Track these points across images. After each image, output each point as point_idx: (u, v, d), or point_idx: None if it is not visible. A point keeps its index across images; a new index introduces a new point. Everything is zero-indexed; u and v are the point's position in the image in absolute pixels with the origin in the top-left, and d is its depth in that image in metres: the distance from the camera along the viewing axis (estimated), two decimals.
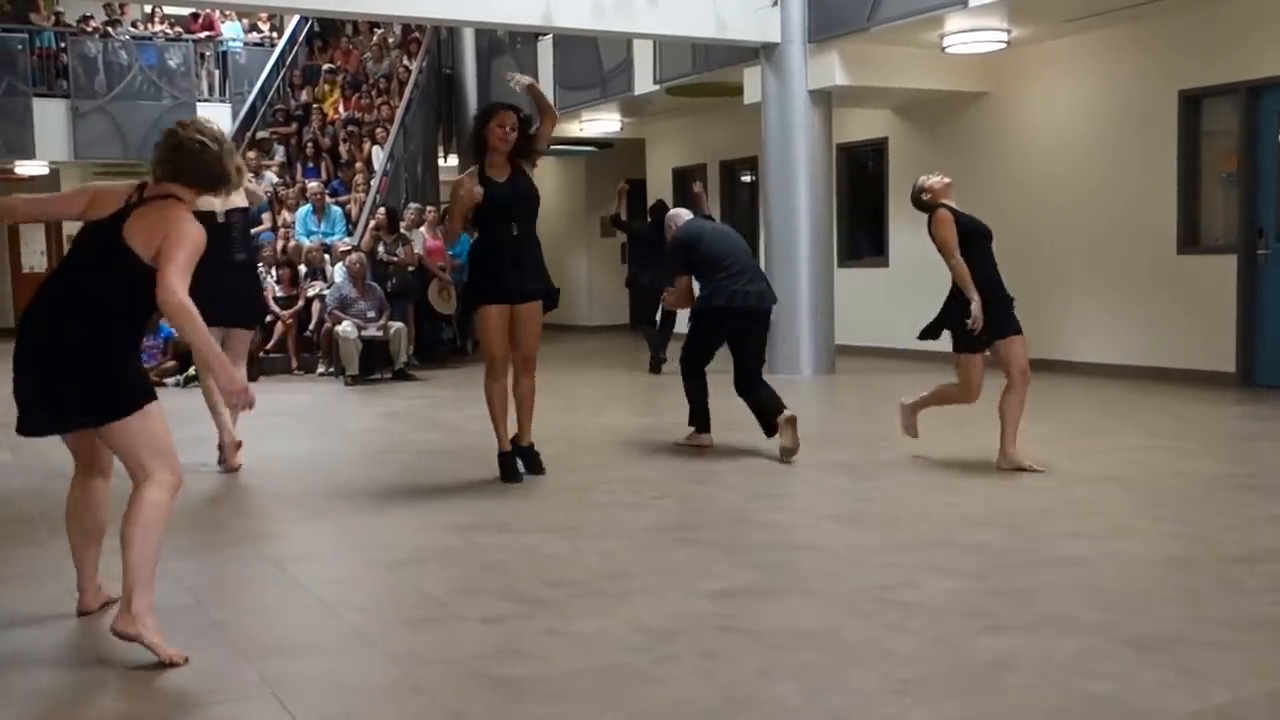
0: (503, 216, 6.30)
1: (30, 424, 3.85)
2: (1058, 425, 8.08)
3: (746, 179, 16.30)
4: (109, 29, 19.48)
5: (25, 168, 19.63)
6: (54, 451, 7.18)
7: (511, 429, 6.58)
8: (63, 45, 18.86)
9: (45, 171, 20.24)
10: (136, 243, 3.70)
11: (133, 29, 19.83)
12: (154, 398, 3.88)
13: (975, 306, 6.22)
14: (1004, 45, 11.10)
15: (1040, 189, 11.77)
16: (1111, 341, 11.18)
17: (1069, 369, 11.33)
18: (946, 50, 11.22)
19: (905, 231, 13.44)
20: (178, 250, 3.66)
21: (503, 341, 6.37)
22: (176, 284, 3.62)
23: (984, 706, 3.10)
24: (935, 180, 6.64)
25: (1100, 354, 11.24)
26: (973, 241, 6.39)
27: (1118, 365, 11.01)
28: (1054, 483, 6.07)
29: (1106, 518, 5.30)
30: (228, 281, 6.72)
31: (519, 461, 6.51)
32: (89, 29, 19.21)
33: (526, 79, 6.60)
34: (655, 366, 12.23)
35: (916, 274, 13.07)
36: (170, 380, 11.97)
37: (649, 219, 12.67)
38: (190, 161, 3.82)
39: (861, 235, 14.47)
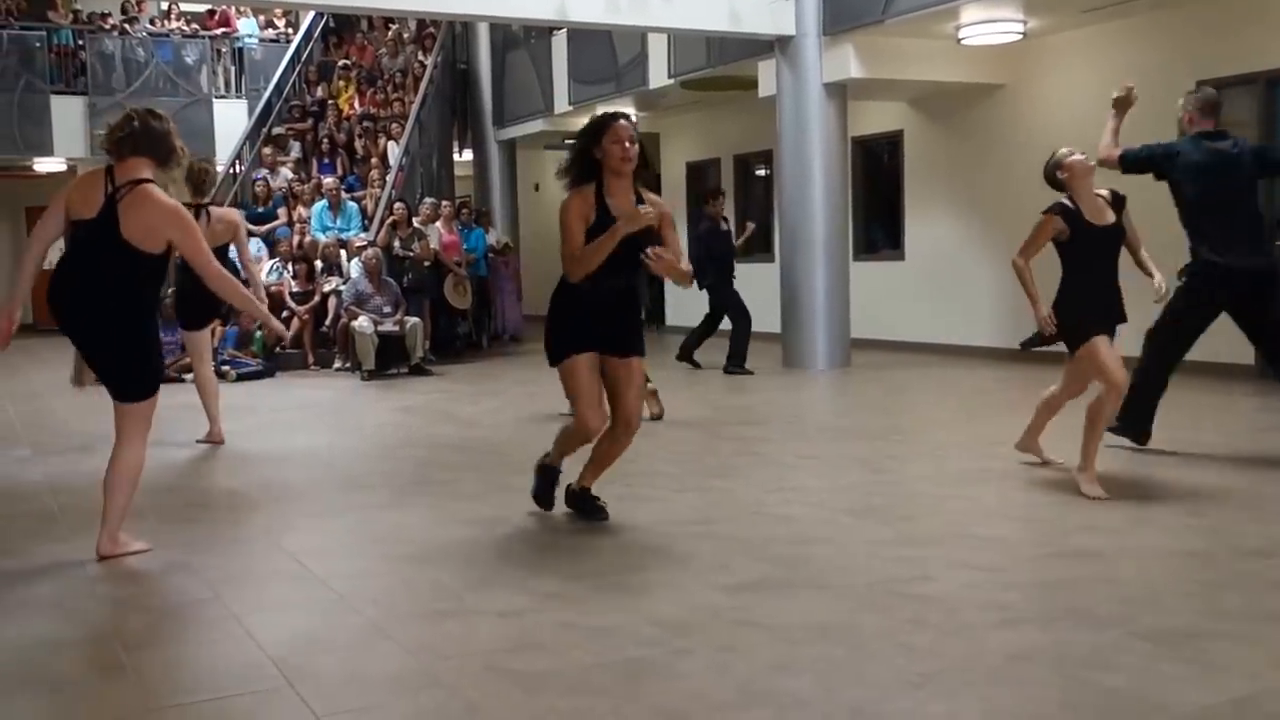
0: (617, 262, 4.91)
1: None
2: (1073, 418, 8.05)
3: (761, 173, 16.29)
4: (126, 26, 19.56)
5: (44, 164, 19.74)
6: (72, 450, 7.23)
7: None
8: (80, 43, 18.97)
9: (63, 168, 20.33)
10: (138, 240, 4.48)
11: (150, 26, 19.91)
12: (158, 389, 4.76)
13: (1041, 310, 5.81)
14: (1020, 36, 11.06)
15: None
16: (1128, 334, 11.11)
17: None
18: (962, 42, 11.20)
19: (921, 225, 13.42)
20: (193, 241, 4.60)
21: (595, 393, 5.07)
22: (209, 262, 4.67)
23: (1000, 700, 3.10)
24: (1076, 158, 5.91)
25: (1116, 344, 11.18)
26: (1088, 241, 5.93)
27: (1134, 358, 10.95)
28: (1069, 475, 6.05)
29: (1123, 511, 5.29)
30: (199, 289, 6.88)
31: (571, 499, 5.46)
32: (105, 26, 19.29)
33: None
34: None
35: (932, 267, 13.08)
36: (189, 376, 11.99)
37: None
38: (150, 138, 4.58)
39: (877, 228, 14.45)
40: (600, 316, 5.01)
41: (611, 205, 4.92)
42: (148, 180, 4.54)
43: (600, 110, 16.68)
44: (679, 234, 5.15)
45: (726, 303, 11.86)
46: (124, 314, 4.56)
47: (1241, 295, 6.58)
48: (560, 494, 5.48)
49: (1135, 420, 6.73)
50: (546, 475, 5.46)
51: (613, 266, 4.92)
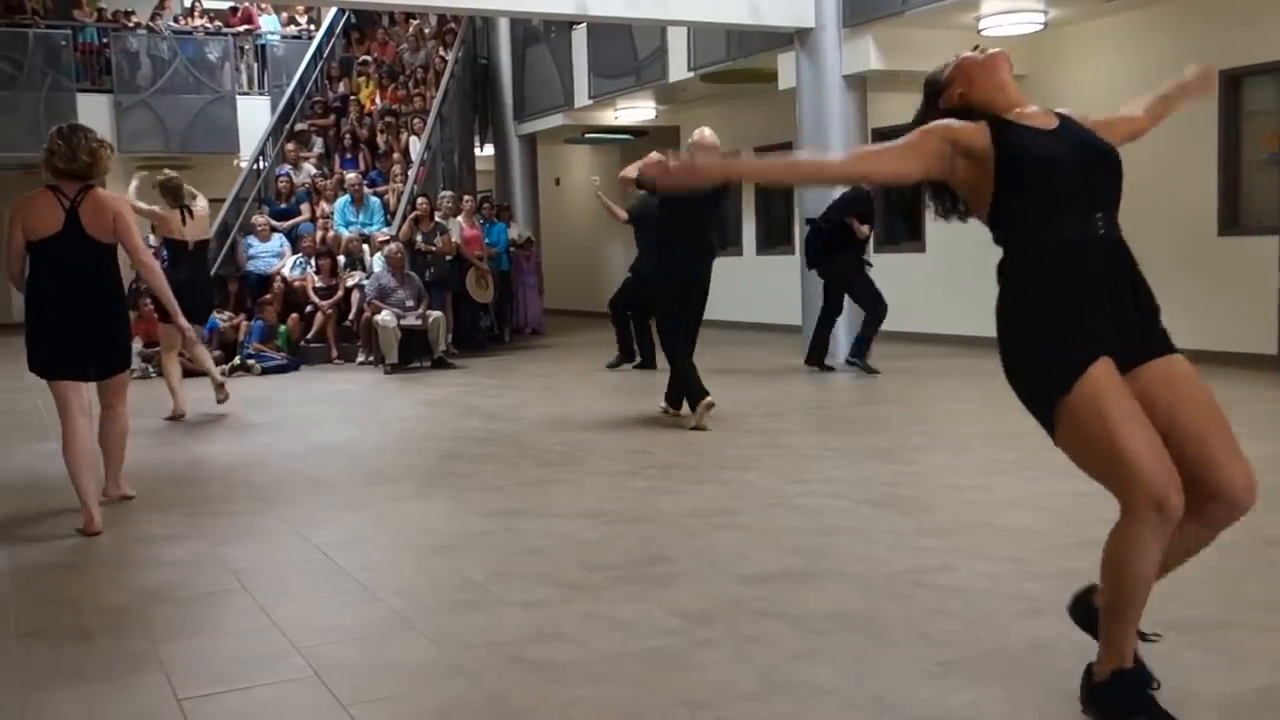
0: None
1: (74, 372, 5.31)
2: None
3: None
4: (151, 24, 19.67)
5: None
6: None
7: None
8: (105, 40, 19.06)
9: None
10: (99, 234, 5.28)
11: (174, 24, 20.02)
12: None
13: None
14: (1042, 27, 11.01)
15: None
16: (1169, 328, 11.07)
17: None
18: (983, 32, 11.14)
19: None
20: (133, 227, 5.44)
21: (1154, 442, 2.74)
22: (142, 248, 5.60)
23: (1023, 689, 3.11)
24: None
25: None
26: None
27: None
28: None
29: None
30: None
31: None
32: (130, 24, 19.40)
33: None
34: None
35: (954, 259, 13.03)
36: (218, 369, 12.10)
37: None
38: (101, 164, 5.37)
39: (898, 220, 14.42)
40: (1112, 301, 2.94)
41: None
42: (92, 185, 5.39)
43: (620, 105, 16.66)
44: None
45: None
46: (113, 297, 5.45)
47: None
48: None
49: None
50: (1123, 684, 2.91)
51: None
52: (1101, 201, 2.97)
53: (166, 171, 9.34)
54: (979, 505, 5.32)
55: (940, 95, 3.07)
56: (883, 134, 14.02)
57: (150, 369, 12.19)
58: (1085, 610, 3.18)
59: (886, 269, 13.36)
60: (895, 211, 14.40)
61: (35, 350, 5.25)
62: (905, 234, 14.28)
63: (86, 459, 5.26)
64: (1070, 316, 2.79)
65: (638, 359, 11.72)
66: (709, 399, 7.64)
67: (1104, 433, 2.68)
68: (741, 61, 13.26)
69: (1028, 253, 2.86)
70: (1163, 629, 3.50)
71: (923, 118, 3.08)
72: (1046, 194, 2.84)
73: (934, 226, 13.54)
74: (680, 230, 7.89)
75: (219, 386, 9.02)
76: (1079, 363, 2.71)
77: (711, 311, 18.31)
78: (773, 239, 16.39)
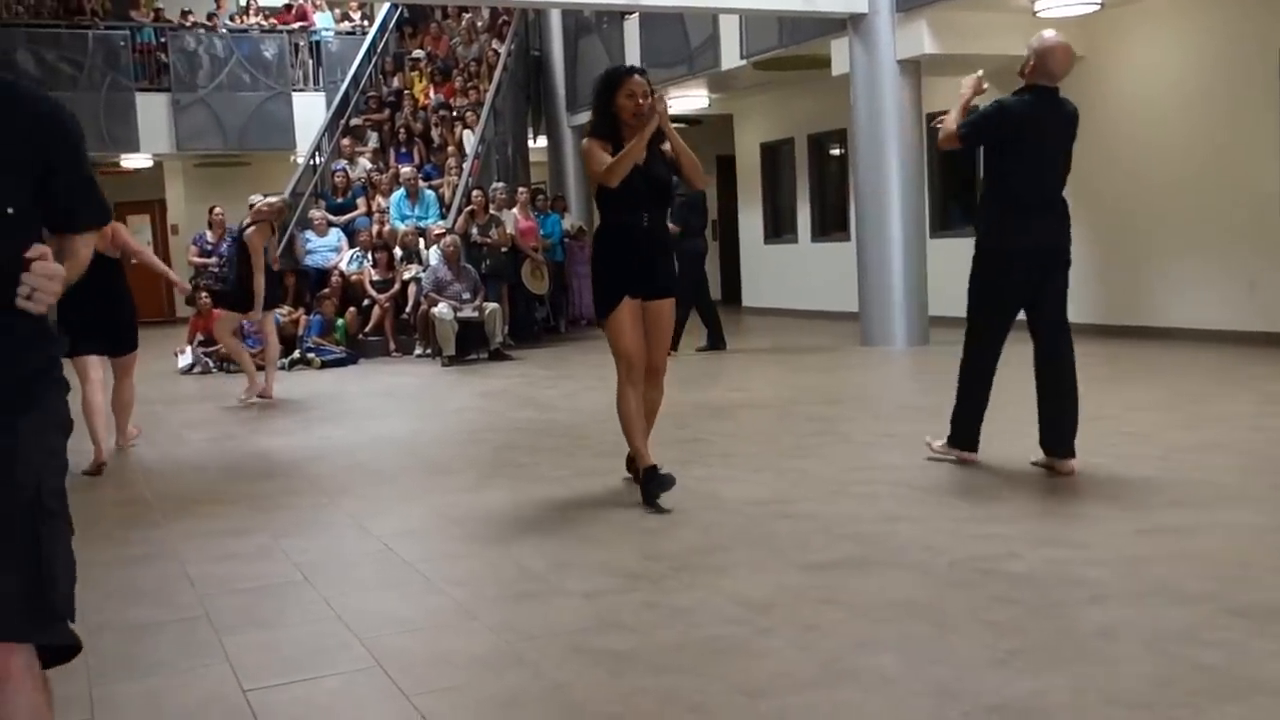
0: (632, 202, 5.27)
1: (93, 350, 7.11)
2: (1160, 392, 7.91)
3: (835, 152, 16.15)
4: (208, 22, 19.90)
5: (130, 161, 20.17)
6: (163, 439, 7.43)
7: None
8: (162, 40, 19.31)
9: (149, 164, 20.77)
10: (106, 249, 6.96)
11: (230, 22, 20.24)
12: None
13: None
14: (1098, 7, 10.83)
15: (1137, 153, 11.48)
16: (1214, 306, 10.90)
17: (1167, 335, 11.08)
18: (1038, 14, 10.97)
19: None
20: (122, 231, 7.47)
21: (638, 340, 5.34)
22: (134, 242, 7.73)
23: (1090, 677, 3.06)
24: None
25: (1202, 319, 10.97)
26: None
27: (1221, 331, 10.74)
28: (1157, 451, 5.95)
29: (1213, 486, 5.19)
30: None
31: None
32: (188, 24, 19.64)
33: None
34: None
35: None
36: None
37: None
38: None
39: (954, 205, 14.27)
40: (640, 255, 5.36)
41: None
42: None
43: (673, 94, 16.66)
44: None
45: None
46: (122, 294, 7.31)
47: None
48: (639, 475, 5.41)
49: None
50: (649, 476, 5.22)
51: (639, 203, 5.31)
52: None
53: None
54: (1042, 491, 5.26)
55: None
56: (937, 117, 13.89)
57: (211, 364, 12.37)
58: (629, 461, 5.60)
59: (943, 255, 13.25)
60: (952, 197, 14.25)
61: (70, 337, 6.70)
62: (961, 219, 14.12)
63: (99, 412, 6.97)
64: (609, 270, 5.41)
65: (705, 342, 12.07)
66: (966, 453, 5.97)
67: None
68: (794, 48, 13.16)
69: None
70: (1232, 615, 3.45)
71: None
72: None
73: None
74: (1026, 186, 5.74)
75: (259, 390, 9.53)
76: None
77: (767, 298, 18.33)
78: (827, 226, 16.29)
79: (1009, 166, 5.64)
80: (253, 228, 9.53)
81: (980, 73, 5.88)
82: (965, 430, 5.93)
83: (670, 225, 11.80)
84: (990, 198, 5.77)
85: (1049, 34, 5.69)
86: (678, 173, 5.44)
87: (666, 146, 5.38)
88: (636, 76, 5.30)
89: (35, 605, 2.03)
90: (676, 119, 18.01)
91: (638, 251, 5.35)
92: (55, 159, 2.19)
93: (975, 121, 5.70)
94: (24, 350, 2.14)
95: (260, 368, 9.82)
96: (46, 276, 2.02)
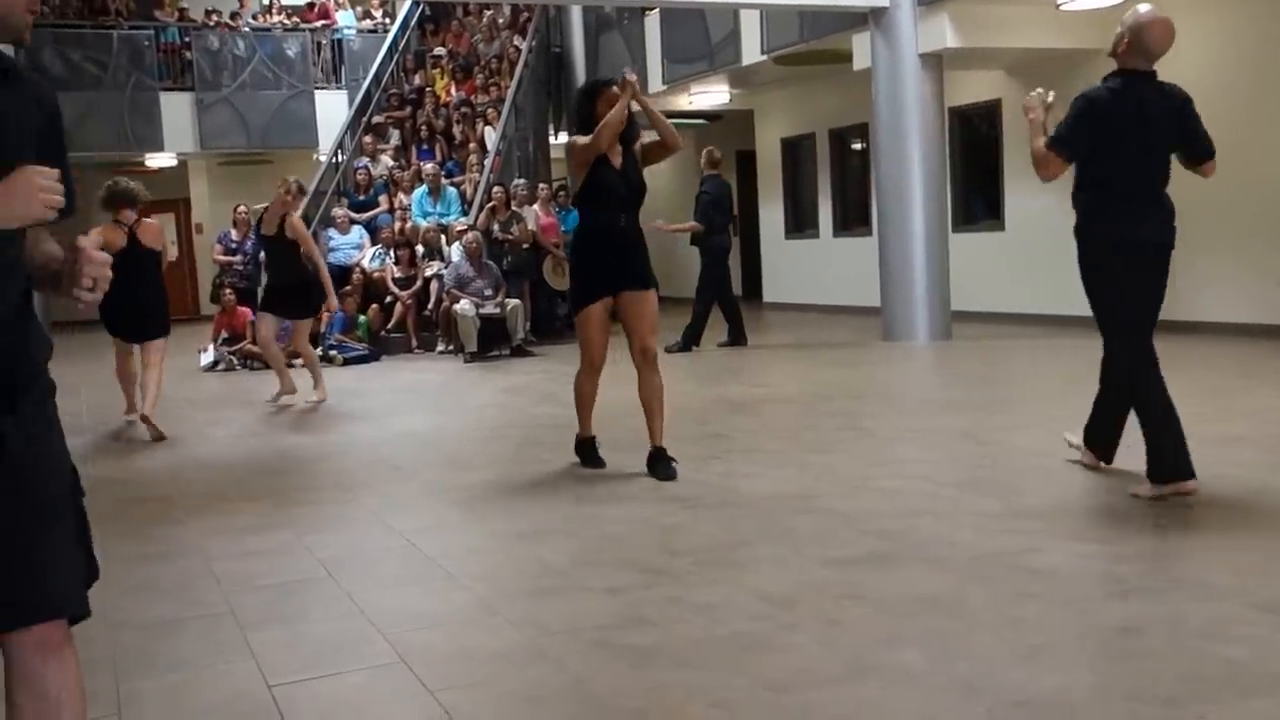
0: (609, 204, 5.77)
1: (140, 335, 8.09)
2: (1187, 386, 7.85)
3: (857, 146, 16.11)
4: (231, 21, 19.99)
5: (155, 160, 20.29)
6: (190, 438, 7.47)
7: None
8: (186, 39, 19.41)
9: (174, 163, 20.88)
10: (150, 243, 7.98)
11: (252, 21, 20.33)
12: None
13: None
14: (1121, 0, 10.76)
15: None
16: (1241, 301, 10.83)
17: (1194, 330, 11.01)
18: (1061, 7, 10.92)
19: (1021, 194, 13.16)
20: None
21: (603, 337, 5.85)
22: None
23: (1115, 672, 3.05)
24: None
25: (1229, 314, 10.90)
26: None
27: (1249, 325, 10.66)
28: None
29: (1238, 479, 5.15)
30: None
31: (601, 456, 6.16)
32: (212, 24, 19.73)
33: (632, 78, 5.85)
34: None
35: (1033, 238, 12.82)
36: (298, 361, 12.29)
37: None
38: (126, 193, 7.93)
39: (977, 199, 14.21)
40: (616, 254, 5.76)
41: (608, 159, 5.80)
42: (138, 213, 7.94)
43: (694, 89, 16.59)
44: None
45: None
46: (161, 286, 8.18)
47: None
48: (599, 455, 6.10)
49: None
50: (583, 448, 6.19)
51: (617, 205, 5.77)
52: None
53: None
54: (1066, 486, 5.24)
55: None
56: (959, 113, 13.85)
57: (235, 361, 12.42)
58: (578, 444, 6.23)
59: (965, 249, 13.22)
60: (974, 191, 14.20)
61: (108, 319, 7.96)
62: (984, 213, 14.07)
63: (131, 378, 8.40)
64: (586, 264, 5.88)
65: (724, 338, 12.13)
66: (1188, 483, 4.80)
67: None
68: (815, 43, 13.14)
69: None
70: (1257, 610, 3.43)
71: None
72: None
73: (1013, 205, 13.34)
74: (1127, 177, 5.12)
75: (290, 392, 9.45)
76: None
77: (788, 294, 18.28)
78: (849, 221, 16.24)
79: (1104, 167, 4.97)
80: (291, 215, 9.28)
81: (1038, 91, 5.18)
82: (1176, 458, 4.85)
83: (694, 222, 11.94)
84: (1086, 194, 5.07)
85: (1144, 8, 5.03)
86: (657, 147, 5.99)
87: (641, 144, 6.01)
88: (614, 88, 5.90)
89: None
90: (697, 115, 18.05)
91: (613, 251, 5.79)
92: (54, 145, 2.13)
93: (1063, 135, 4.93)
94: (39, 345, 2.14)
95: (296, 370, 9.81)
96: (102, 265, 2.03)
